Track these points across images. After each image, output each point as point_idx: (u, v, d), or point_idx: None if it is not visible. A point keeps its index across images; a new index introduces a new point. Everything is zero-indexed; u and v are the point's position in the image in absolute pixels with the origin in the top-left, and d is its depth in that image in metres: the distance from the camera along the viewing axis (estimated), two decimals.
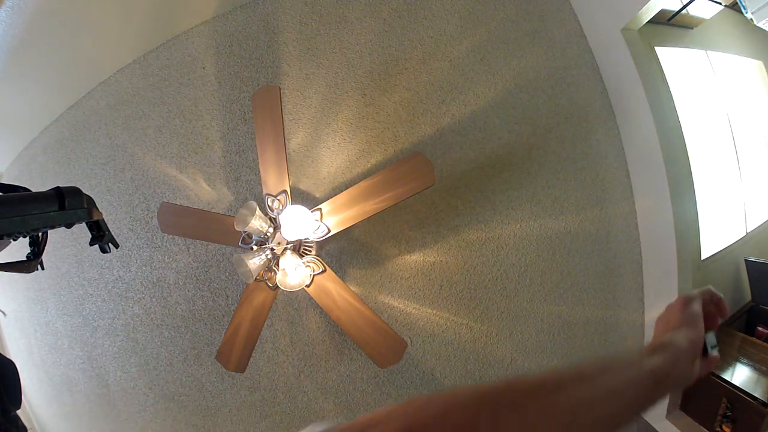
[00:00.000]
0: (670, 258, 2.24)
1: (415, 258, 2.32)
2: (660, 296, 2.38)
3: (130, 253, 2.63)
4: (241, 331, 2.11)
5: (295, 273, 2.03)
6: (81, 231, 2.82)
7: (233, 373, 2.49)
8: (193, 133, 2.39)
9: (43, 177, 2.80)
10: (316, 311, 2.28)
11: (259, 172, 2.20)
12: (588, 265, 2.39)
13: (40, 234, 0.93)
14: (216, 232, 2.20)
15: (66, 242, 2.87)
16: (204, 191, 2.42)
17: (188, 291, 2.49)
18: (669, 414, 2.42)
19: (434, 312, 2.33)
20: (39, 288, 3.16)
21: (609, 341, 2.46)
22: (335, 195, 1.90)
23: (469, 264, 2.34)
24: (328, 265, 1.97)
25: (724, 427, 2.23)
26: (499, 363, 2.41)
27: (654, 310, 2.43)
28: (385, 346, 2.05)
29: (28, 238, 0.91)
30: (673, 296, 2.25)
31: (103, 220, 1.02)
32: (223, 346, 2.15)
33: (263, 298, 2.09)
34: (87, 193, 0.96)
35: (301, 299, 2.28)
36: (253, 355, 2.20)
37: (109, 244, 1.05)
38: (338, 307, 2.03)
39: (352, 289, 2.19)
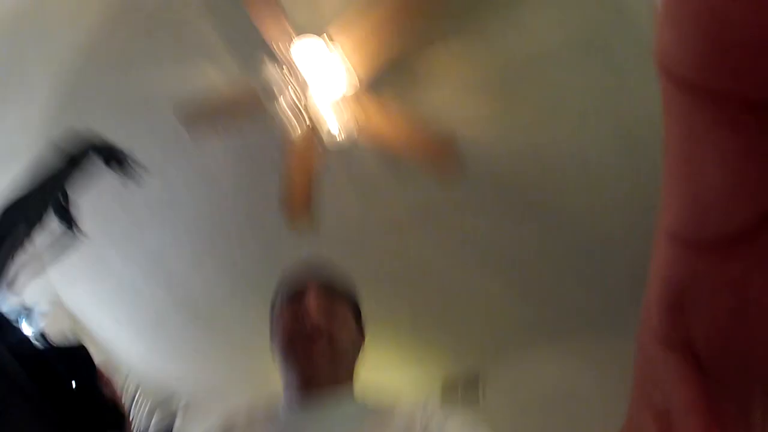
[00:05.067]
0: None
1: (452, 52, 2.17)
2: None
3: (165, 166, 2.70)
4: (296, 186, 2.18)
5: (337, 129, 2.00)
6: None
7: (306, 234, 2.61)
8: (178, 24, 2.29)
9: None
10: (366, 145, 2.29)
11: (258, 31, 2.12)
12: None
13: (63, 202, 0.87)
14: (244, 108, 2.17)
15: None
16: (213, 78, 2.36)
17: (235, 174, 2.57)
18: None
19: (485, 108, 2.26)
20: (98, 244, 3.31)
21: None
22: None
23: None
24: (357, 89, 1.94)
25: None
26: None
27: None
28: (438, 155, 2.09)
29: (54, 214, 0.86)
30: None
31: (112, 145, 0.97)
32: (285, 207, 2.24)
33: (308, 149, 2.12)
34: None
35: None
36: (323, 202, 2.30)
37: (129, 168, 1.00)
38: (382, 130, 2.04)
39: (390, 106, 2.12)
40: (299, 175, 2.16)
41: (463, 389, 3.72)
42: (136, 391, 4.92)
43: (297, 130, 2.10)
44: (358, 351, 0.92)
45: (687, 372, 0.16)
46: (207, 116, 2.24)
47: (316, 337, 0.83)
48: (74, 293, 4.23)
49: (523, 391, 3.41)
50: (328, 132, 1.98)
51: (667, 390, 0.17)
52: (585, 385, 3.11)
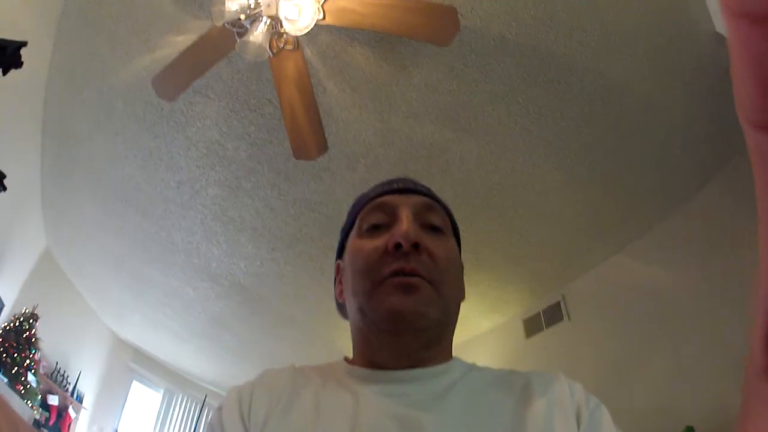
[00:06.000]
0: None
1: None
2: None
3: (168, 153, 2.52)
4: (298, 113, 1.93)
5: (300, 14, 1.76)
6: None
7: (323, 161, 2.37)
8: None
9: None
10: (352, 42, 1.99)
11: None
12: None
13: None
14: (210, 52, 1.96)
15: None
16: (174, 43, 2.16)
17: (237, 130, 2.34)
18: None
19: None
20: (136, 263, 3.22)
21: None
22: None
23: None
24: None
25: None
26: None
27: None
28: (437, 24, 1.76)
29: None
30: None
31: None
32: (294, 141, 2.00)
33: (294, 65, 1.85)
34: None
35: (331, 42, 2.00)
36: (328, 130, 2.03)
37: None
38: (366, 16, 1.74)
39: None
40: (297, 100, 1.89)
41: (546, 314, 3.42)
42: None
43: (277, 51, 1.84)
44: (462, 291, 0.67)
45: None
46: (185, 79, 2.03)
47: (416, 271, 0.58)
48: (129, 326, 4.22)
49: (606, 296, 3.11)
50: (307, 30, 1.70)
51: (760, 424, 0.17)
52: (666, 277, 2.84)
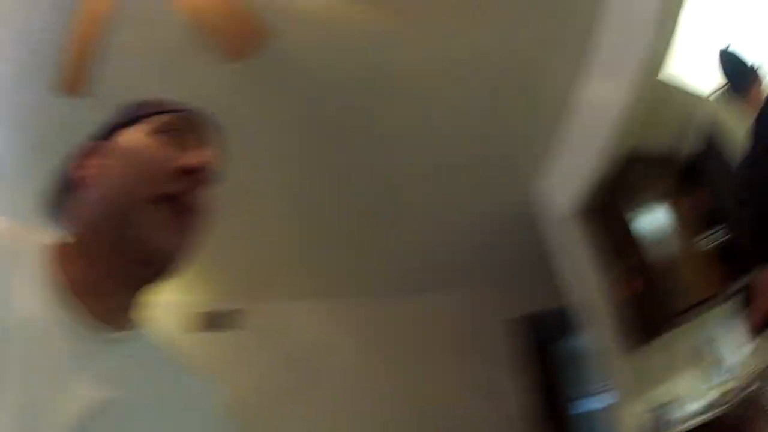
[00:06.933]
0: None
1: None
2: None
3: None
4: (77, 47, 1.74)
5: None
6: None
7: (96, 101, 2.11)
8: None
9: None
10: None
11: None
12: None
13: None
14: None
15: None
16: None
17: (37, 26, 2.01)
18: None
19: None
20: None
21: None
22: None
23: None
24: None
25: None
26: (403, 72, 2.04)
27: None
28: (239, 39, 1.69)
29: None
30: None
31: None
32: (64, 71, 1.81)
33: (100, 11, 1.66)
34: None
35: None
36: (110, 70, 1.90)
37: None
38: None
39: None
40: (84, 41, 1.72)
41: (222, 318, 3.51)
42: None
43: None
44: None
45: None
46: None
47: (194, 207, 0.53)
48: None
49: (279, 334, 3.41)
50: None
51: None
52: (334, 343, 3.25)
